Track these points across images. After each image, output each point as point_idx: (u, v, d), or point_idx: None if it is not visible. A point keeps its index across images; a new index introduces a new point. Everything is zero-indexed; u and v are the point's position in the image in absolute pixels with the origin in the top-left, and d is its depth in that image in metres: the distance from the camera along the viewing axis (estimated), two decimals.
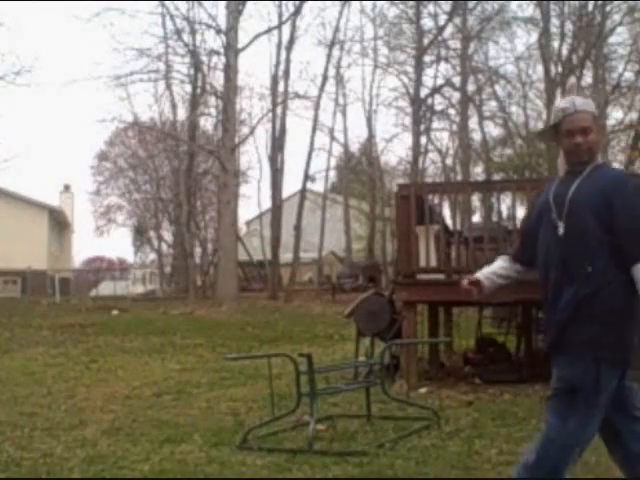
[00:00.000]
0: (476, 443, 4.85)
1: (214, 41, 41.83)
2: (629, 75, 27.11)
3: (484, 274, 3.38)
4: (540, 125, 29.51)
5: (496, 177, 26.54)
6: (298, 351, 7.76)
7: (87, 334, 14.07)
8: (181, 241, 29.65)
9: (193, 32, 24.36)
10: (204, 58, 24.99)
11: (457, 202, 23.13)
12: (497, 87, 30.02)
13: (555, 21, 26.53)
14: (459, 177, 30.38)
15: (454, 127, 31.22)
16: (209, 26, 23.62)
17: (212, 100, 27.54)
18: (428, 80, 29.17)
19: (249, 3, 26.18)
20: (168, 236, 38.49)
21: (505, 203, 17.82)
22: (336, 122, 32.52)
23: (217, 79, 25.20)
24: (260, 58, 52.08)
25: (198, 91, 26.94)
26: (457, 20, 28.10)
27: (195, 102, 27.41)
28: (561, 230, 3.10)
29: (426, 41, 28.04)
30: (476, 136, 31.18)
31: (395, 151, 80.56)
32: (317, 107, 27.79)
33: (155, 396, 7.27)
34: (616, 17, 25.71)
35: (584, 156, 3.14)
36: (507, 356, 8.79)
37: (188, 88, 27.96)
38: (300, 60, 29.11)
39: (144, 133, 33.80)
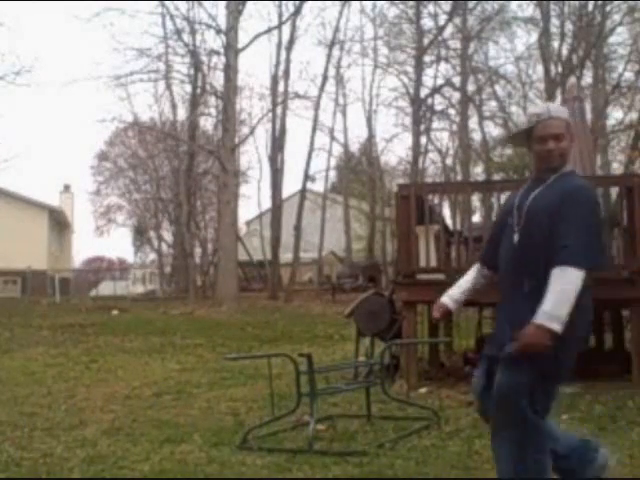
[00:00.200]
0: (476, 443, 4.85)
1: (214, 41, 42.00)
2: (629, 75, 27.13)
3: (450, 295, 3.48)
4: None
5: (496, 177, 26.53)
6: (298, 351, 7.76)
7: (87, 334, 14.07)
8: (181, 241, 29.65)
9: (193, 32, 24.38)
10: (204, 58, 25.04)
11: (457, 202, 23.15)
12: (497, 87, 30.05)
13: (555, 21, 26.56)
14: (459, 177, 30.38)
15: (454, 127, 31.23)
16: (209, 26, 23.65)
17: (212, 100, 27.61)
18: (428, 80, 29.23)
19: (249, 3, 26.24)
20: (168, 236, 38.52)
21: None
22: (336, 122, 32.61)
23: (217, 79, 25.25)
24: (260, 58, 52.19)
25: (198, 91, 26.94)
26: (457, 20, 28.10)
27: (195, 102, 27.41)
28: (516, 238, 3.13)
29: (426, 41, 28.05)
30: (476, 136, 31.23)
31: (395, 151, 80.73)
32: (317, 107, 27.84)
33: (155, 396, 7.27)
34: (616, 17, 25.74)
35: (555, 162, 3.13)
36: None
37: (188, 88, 28.02)
38: (300, 60, 29.19)
39: (144, 133, 33.82)
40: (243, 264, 28.81)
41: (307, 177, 28.32)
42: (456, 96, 29.72)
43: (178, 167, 28.86)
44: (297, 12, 26.27)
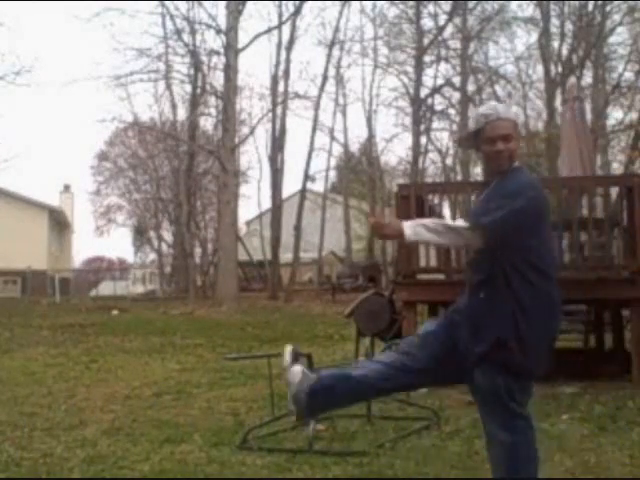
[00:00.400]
0: (476, 443, 4.84)
1: (214, 41, 42.06)
2: (629, 75, 27.13)
3: (415, 221, 3.17)
4: (540, 125, 29.53)
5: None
6: None
7: (87, 334, 14.06)
8: (181, 241, 29.66)
9: (193, 32, 24.39)
10: (204, 58, 25.04)
11: (457, 202, 23.10)
12: (497, 87, 30.03)
13: (555, 21, 26.58)
14: (459, 177, 30.40)
15: (454, 127, 31.23)
16: (209, 26, 23.65)
17: (212, 100, 27.61)
18: (428, 80, 29.25)
19: (249, 3, 26.23)
20: (168, 236, 38.54)
21: None
22: (336, 122, 32.63)
23: (217, 79, 25.25)
24: (260, 58, 52.24)
25: (198, 91, 26.95)
26: (457, 20, 28.13)
27: (195, 102, 27.42)
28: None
29: (426, 41, 28.07)
30: None
31: (395, 151, 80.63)
32: (317, 107, 27.84)
33: (155, 396, 7.26)
34: (616, 17, 25.75)
35: (504, 163, 3.11)
36: None
37: (188, 88, 28.03)
38: (300, 60, 29.20)
39: (144, 133, 33.83)
40: (243, 264, 28.82)
41: (307, 177, 28.33)
42: (456, 96, 29.74)
43: (178, 167, 28.87)
44: (297, 12, 26.29)
